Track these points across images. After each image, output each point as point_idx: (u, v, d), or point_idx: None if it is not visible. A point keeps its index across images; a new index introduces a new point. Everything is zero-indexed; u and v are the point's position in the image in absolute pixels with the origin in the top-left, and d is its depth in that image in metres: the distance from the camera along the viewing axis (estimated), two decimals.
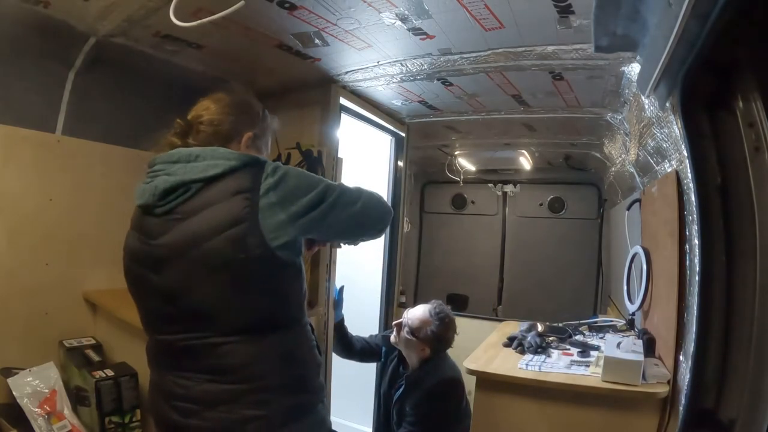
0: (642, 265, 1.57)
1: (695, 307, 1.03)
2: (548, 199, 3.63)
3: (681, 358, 1.19)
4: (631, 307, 1.68)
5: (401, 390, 1.74)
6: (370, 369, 2.57)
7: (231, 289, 0.80)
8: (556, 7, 1.25)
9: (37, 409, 1.34)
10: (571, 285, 3.44)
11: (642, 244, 1.65)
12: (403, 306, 2.87)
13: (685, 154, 1.07)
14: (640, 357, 1.23)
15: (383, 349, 2.02)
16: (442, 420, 1.63)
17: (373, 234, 1.02)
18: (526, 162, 3.26)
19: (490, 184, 3.74)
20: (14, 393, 1.35)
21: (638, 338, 1.46)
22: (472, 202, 3.85)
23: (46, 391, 1.40)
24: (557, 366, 1.35)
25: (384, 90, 2.10)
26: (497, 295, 3.71)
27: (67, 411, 1.39)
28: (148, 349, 0.95)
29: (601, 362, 1.25)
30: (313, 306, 1.96)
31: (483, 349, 1.60)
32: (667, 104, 1.14)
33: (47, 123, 1.63)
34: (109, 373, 1.41)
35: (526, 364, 1.36)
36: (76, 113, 1.69)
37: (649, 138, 1.49)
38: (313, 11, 1.37)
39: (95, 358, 1.59)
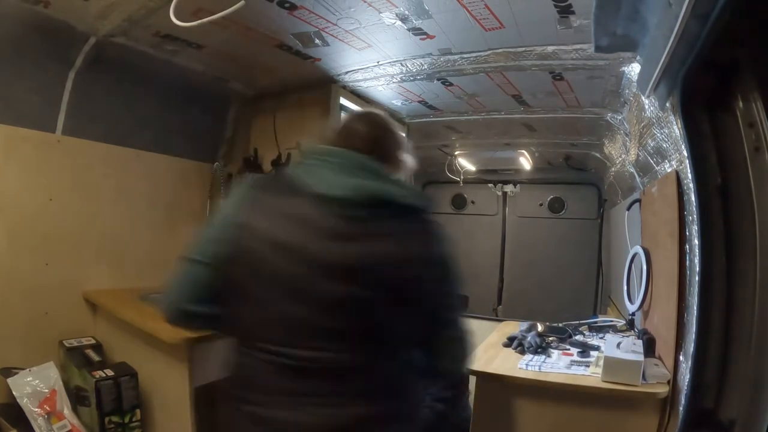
0: (642, 265, 1.57)
1: (695, 307, 1.03)
2: (548, 199, 3.63)
3: (681, 358, 1.19)
4: (631, 307, 1.68)
5: None
6: None
7: (408, 315, 0.76)
8: (556, 7, 1.25)
9: (37, 409, 1.34)
10: (571, 285, 3.44)
11: (642, 244, 1.65)
12: None
13: (685, 154, 1.07)
14: (640, 357, 1.23)
15: None
16: None
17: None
18: (526, 162, 3.26)
19: (490, 184, 3.74)
20: (14, 393, 1.35)
21: (638, 338, 1.46)
22: (472, 202, 3.85)
23: (46, 390, 1.40)
24: (557, 366, 1.35)
25: (384, 90, 2.10)
26: (497, 295, 3.71)
27: (66, 411, 1.39)
28: (241, 366, 0.77)
29: (601, 362, 1.24)
30: None
31: (483, 349, 1.60)
32: (667, 104, 1.14)
33: (47, 123, 1.63)
34: (109, 372, 1.41)
35: (526, 364, 1.36)
36: (76, 113, 1.69)
37: (649, 138, 1.49)
38: (313, 11, 1.37)
39: (95, 357, 1.59)
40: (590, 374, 1.28)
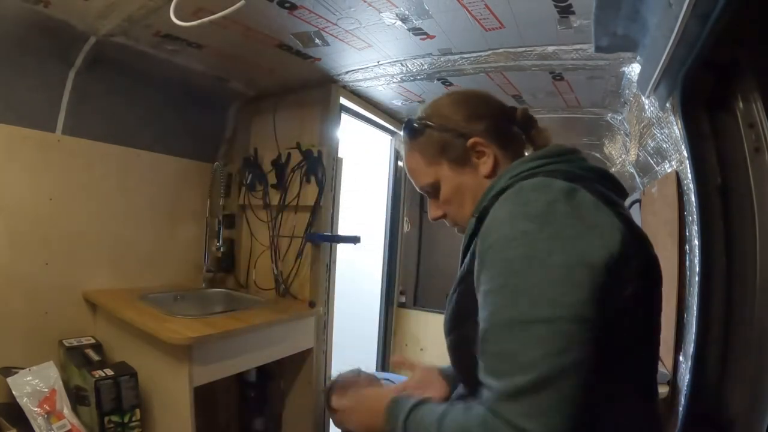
0: None
1: (695, 307, 1.03)
2: None
3: (681, 358, 1.19)
4: None
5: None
6: (370, 369, 2.57)
7: None
8: (556, 7, 1.25)
9: (36, 409, 1.34)
10: None
11: None
12: (404, 306, 2.88)
13: (685, 154, 1.07)
14: None
15: None
16: None
17: None
18: None
19: None
20: (14, 392, 1.35)
21: None
22: None
23: (46, 390, 1.40)
24: None
25: (384, 90, 2.10)
26: None
27: (66, 410, 1.39)
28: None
29: None
30: (313, 306, 1.97)
31: None
32: (667, 104, 1.14)
33: (47, 122, 1.63)
34: (109, 372, 1.40)
35: None
36: (77, 113, 1.69)
37: (649, 138, 1.49)
38: (313, 11, 1.37)
39: (95, 357, 1.59)
40: None
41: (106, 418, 1.36)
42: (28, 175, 1.58)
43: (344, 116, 2.17)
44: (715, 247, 0.98)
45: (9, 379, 1.37)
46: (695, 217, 1.05)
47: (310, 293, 2.01)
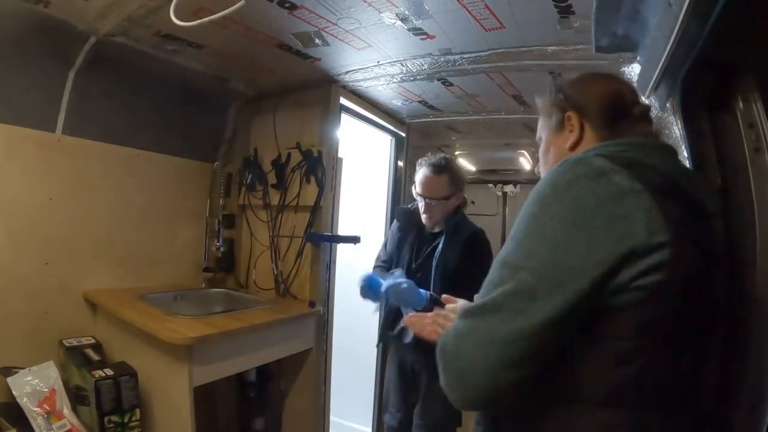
0: None
1: None
2: None
3: None
4: None
5: (440, 246, 1.64)
6: (370, 369, 2.57)
7: None
8: (556, 8, 1.25)
9: (36, 409, 1.34)
10: None
11: None
12: None
13: (685, 154, 1.07)
14: None
15: (399, 232, 1.82)
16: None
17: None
18: (526, 162, 3.26)
19: (490, 184, 3.73)
20: (14, 392, 1.35)
21: None
22: (472, 202, 3.84)
23: (46, 390, 1.40)
24: None
25: (384, 90, 2.10)
26: None
27: (66, 410, 1.39)
28: None
29: None
30: (313, 306, 1.97)
31: None
32: (667, 105, 1.14)
33: (47, 122, 1.63)
34: (109, 372, 1.41)
35: None
36: (76, 112, 1.69)
37: None
38: (313, 11, 1.37)
39: (95, 357, 1.59)
40: None
41: (106, 418, 1.37)
42: (28, 175, 1.58)
43: (344, 116, 2.17)
44: None
45: (9, 379, 1.37)
46: None
47: (310, 293, 2.01)
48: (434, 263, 1.63)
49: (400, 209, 1.88)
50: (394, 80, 1.93)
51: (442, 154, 1.73)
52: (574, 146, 0.75)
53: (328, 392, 2.09)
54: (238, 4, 1.05)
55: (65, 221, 1.69)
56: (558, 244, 0.55)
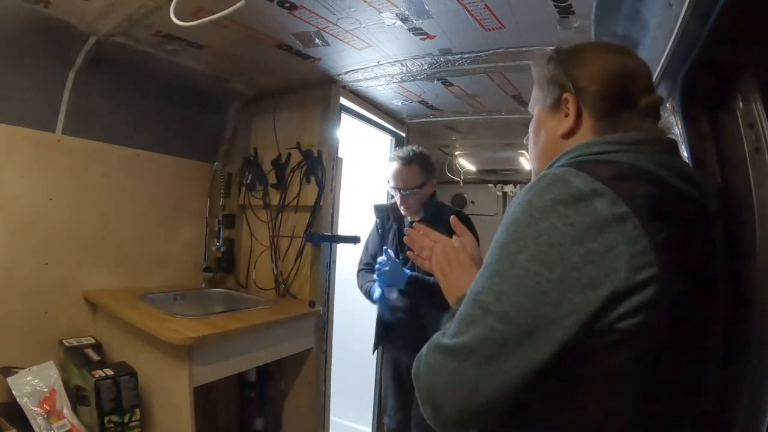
0: None
1: None
2: None
3: None
4: None
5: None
6: (370, 369, 2.57)
7: None
8: (556, 7, 1.25)
9: (36, 409, 1.34)
10: None
11: None
12: None
13: (686, 154, 1.07)
14: None
15: (380, 228, 1.93)
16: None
17: None
18: (526, 162, 3.26)
19: (490, 184, 3.74)
20: (14, 392, 1.35)
21: None
22: (472, 202, 3.85)
23: (46, 390, 1.40)
24: None
25: (384, 90, 2.10)
26: None
27: (66, 410, 1.39)
28: None
29: None
30: (313, 306, 1.97)
31: None
32: (667, 104, 1.14)
33: (47, 122, 1.63)
34: (109, 372, 1.41)
35: None
36: (76, 113, 1.69)
37: None
38: (313, 11, 1.37)
39: (95, 357, 1.59)
40: None
41: (106, 418, 1.37)
42: (28, 175, 1.58)
43: (344, 116, 2.17)
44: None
45: (9, 379, 1.37)
46: None
47: (310, 293, 2.01)
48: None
49: (377, 206, 1.92)
50: (394, 80, 1.93)
51: (411, 146, 1.80)
52: (567, 135, 0.67)
53: (328, 392, 2.09)
54: (238, 4, 1.05)
55: (65, 221, 1.69)
56: (529, 288, 0.49)
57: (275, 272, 2.10)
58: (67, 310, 1.70)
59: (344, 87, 2.07)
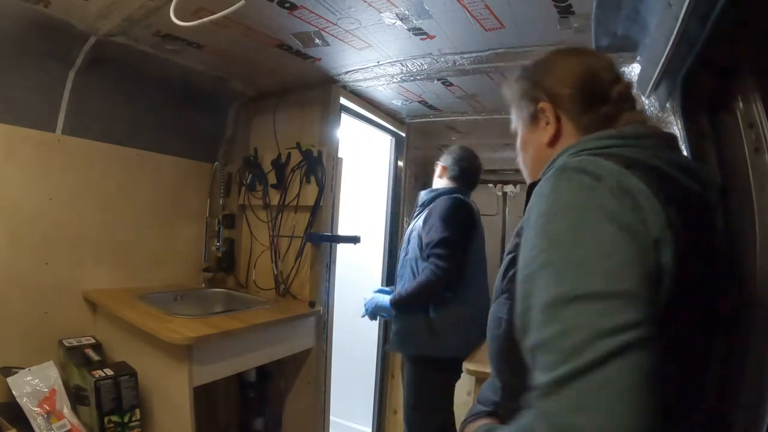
0: None
1: None
2: None
3: None
4: None
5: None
6: (370, 369, 2.57)
7: None
8: (556, 8, 1.25)
9: (36, 409, 1.34)
10: None
11: None
12: None
13: (685, 154, 1.07)
14: None
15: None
16: None
17: None
18: None
19: (490, 184, 3.74)
20: (14, 392, 1.35)
21: None
22: (472, 202, 3.85)
23: (46, 390, 1.40)
24: None
25: (384, 90, 2.10)
26: None
27: (66, 410, 1.39)
28: None
29: None
30: (313, 306, 1.97)
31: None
32: (667, 105, 1.14)
33: (47, 122, 1.63)
34: (109, 372, 1.41)
35: None
36: (76, 113, 1.69)
37: None
38: (313, 11, 1.37)
39: (95, 357, 1.59)
40: None
41: (106, 418, 1.37)
42: (27, 175, 1.58)
43: (344, 116, 2.17)
44: None
45: (9, 379, 1.37)
46: None
47: (310, 293, 2.01)
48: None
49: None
50: (394, 80, 1.93)
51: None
52: (552, 141, 0.67)
53: (328, 392, 2.09)
54: (238, 4, 1.05)
55: (65, 221, 1.69)
56: (624, 248, 0.44)
57: (275, 272, 2.10)
58: (67, 310, 1.70)
59: (344, 87, 2.07)
